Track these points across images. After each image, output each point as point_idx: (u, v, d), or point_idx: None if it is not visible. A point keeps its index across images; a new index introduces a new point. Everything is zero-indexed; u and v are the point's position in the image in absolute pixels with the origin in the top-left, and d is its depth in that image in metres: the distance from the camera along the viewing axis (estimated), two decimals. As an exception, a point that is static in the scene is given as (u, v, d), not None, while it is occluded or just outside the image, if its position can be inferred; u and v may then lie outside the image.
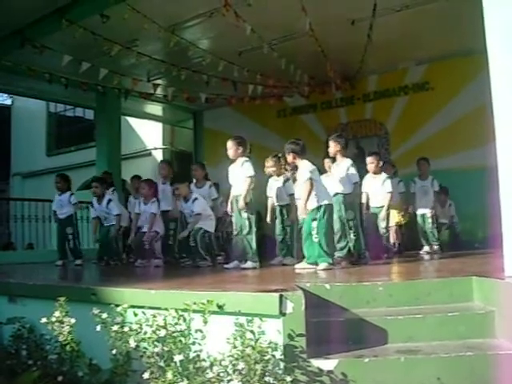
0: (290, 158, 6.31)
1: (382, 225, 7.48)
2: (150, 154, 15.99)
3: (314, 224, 5.98)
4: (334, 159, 6.97)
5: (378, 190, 7.53)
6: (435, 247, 8.67)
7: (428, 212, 8.74)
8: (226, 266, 6.83)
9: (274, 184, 7.51)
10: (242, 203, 6.50)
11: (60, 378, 3.89)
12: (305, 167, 6.14)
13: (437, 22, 8.52)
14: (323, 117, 12.10)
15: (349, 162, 6.73)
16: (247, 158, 6.71)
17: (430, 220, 8.71)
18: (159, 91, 11.06)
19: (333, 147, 6.80)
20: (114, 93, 10.84)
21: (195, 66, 9.73)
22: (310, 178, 6.00)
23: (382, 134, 11.43)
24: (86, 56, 8.70)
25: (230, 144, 6.72)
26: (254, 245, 6.57)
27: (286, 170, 7.41)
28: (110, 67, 9.23)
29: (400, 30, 8.79)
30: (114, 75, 9.56)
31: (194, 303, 3.35)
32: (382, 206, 7.47)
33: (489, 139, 4.24)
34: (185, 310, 3.36)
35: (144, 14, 7.42)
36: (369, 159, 7.62)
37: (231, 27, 7.60)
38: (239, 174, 6.69)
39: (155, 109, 13.88)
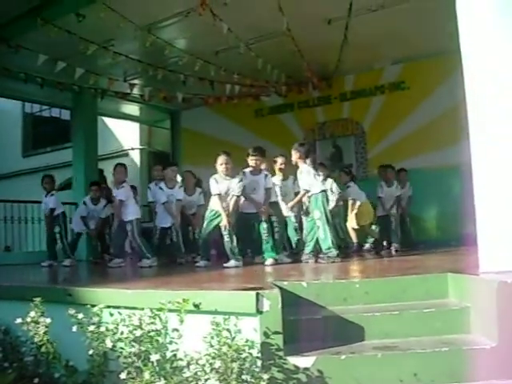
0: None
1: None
2: (127, 155, 15.90)
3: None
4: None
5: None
6: (396, 245, 8.88)
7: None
8: (197, 264, 7.08)
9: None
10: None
11: (36, 380, 3.86)
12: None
13: (412, 22, 8.57)
14: (300, 116, 12.11)
15: (305, 169, 6.88)
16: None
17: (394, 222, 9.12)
18: (136, 91, 10.98)
19: (293, 155, 7.01)
20: (91, 93, 10.73)
21: (172, 65, 9.68)
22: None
23: (359, 133, 11.48)
24: (62, 55, 8.58)
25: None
26: (234, 243, 6.73)
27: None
28: (86, 67, 9.13)
29: (376, 30, 8.83)
30: (90, 75, 9.45)
31: (169, 302, 3.34)
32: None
33: (463, 138, 4.28)
34: (160, 310, 3.35)
35: (120, 13, 7.36)
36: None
37: (208, 26, 7.57)
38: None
39: (132, 109, 13.76)
